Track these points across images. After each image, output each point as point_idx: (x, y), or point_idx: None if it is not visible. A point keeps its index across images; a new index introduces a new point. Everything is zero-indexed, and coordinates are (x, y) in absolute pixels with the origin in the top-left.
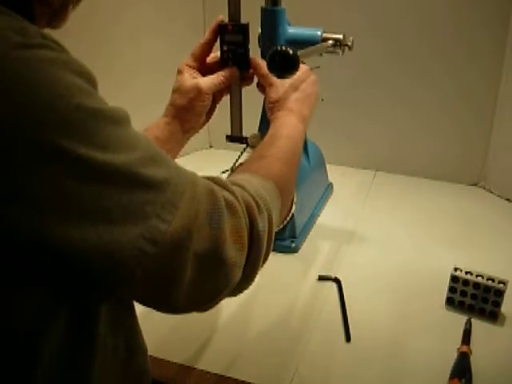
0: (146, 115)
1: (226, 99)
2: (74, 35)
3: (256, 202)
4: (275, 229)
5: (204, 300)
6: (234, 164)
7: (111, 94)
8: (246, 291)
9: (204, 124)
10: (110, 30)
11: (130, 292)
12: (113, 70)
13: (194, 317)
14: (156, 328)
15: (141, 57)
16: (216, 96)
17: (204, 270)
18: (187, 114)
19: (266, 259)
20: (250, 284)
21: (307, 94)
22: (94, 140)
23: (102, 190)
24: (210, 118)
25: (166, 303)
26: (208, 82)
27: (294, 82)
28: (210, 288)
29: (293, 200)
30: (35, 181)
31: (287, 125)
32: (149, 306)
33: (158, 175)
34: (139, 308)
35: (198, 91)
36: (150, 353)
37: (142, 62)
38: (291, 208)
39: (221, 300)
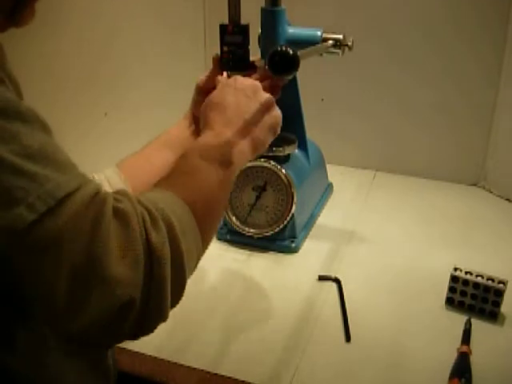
0: (149, 122)
1: None
2: (74, 45)
3: (148, 210)
4: (183, 243)
5: (93, 324)
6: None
7: (114, 104)
8: (244, 291)
9: None
10: (111, 39)
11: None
12: (114, 77)
13: (193, 317)
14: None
15: (141, 63)
16: None
17: (79, 284)
18: None
19: (182, 281)
20: (162, 318)
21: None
22: None
23: None
24: None
25: (46, 315)
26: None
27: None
28: (95, 310)
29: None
30: None
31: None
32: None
33: (38, 169)
34: None
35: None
36: (149, 353)
37: (143, 68)
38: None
39: (119, 333)
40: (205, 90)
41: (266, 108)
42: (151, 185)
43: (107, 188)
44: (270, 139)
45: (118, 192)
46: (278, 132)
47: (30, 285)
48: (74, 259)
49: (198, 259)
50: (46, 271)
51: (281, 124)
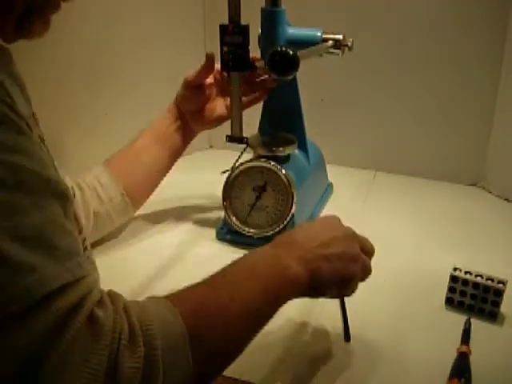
0: (149, 122)
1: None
2: (74, 46)
3: (132, 330)
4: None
5: None
6: (234, 164)
7: (114, 103)
8: None
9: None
10: (111, 38)
11: None
12: (114, 76)
13: None
14: None
15: (141, 62)
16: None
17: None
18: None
19: None
20: None
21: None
22: None
23: None
24: (218, 120)
25: None
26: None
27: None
28: None
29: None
30: None
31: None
32: None
33: (24, 257)
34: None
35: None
36: None
37: (143, 68)
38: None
39: None
40: (193, 85)
41: (350, 257)
42: (143, 185)
43: (98, 188)
44: (332, 287)
45: (109, 294)
46: (346, 289)
47: None
48: (14, 365)
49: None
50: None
51: (352, 283)
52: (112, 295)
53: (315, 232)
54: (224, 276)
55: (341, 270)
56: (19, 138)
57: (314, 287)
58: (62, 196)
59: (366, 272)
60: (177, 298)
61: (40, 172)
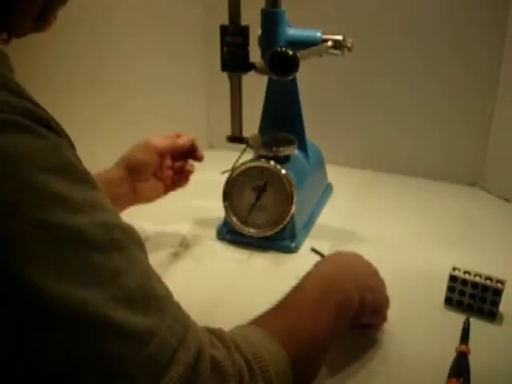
0: (148, 125)
1: (226, 99)
2: (74, 47)
3: (250, 367)
4: None
5: None
6: (234, 164)
7: (114, 108)
8: (244, 291)
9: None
10: (110, 40)
11: None
12: (112, 80)
13: (193, 317)
14: None
15: (141, 67)
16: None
17: None
18: (136, 166)
19: None
20: None
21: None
22: (52, 269)
23: (55, 335)
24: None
25: None
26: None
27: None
28: None
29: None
30: None
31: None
32: None
33: (136, 321)
34: None
35: (148, 144)
36: None
37: (143, 72)
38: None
39: None
40: (163, 152)
41: (383, 288)
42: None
43: None
44: (366, 317)
45: (213, 331)
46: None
47: None
48: None
49: None
50: None
51: (385, 311)
52: (215, 330)
53: (356, 266)
54: (302, 302)
55: (377, 299)
56: (94, 192)
57: (358, 313)
58: (140, 241)
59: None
60: (270, 327)
61: (120, 223)
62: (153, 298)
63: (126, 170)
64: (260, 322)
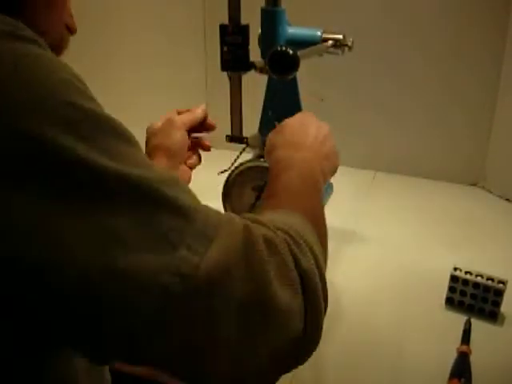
0: (143, 127)
1: (226, 98)
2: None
3: (289, 235)
4: (323, 265)
5: (258, 368)
6: (232, 164)
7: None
8: None
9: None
10: (110, 40)
11: (152, 350)
12: (112, 79)
13: None
14: None
15: (141, 67)
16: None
17: (251, 321)
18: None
19: (326, 304)
20: (317, 342)
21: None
22: (96, 144)
23: (114, 209)
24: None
25: (202, 372)
26: (183, 117)
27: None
28: (264, 348)
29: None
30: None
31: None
32: (181, 380)
33: (185, 200)
34: None
35: (173, 123)
36: None
37: (143, 72)
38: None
39: (285, 369)
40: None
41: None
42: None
43: None
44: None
45: (246, 217)
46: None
47: (196, 333)
48: (241, 295)
49: None
50: (215, 314)
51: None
52: (246, 216)
53: (307, 132)
54: (289, 185)
55: (335, 162)
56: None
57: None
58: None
59: None
60: (293, 206)
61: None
62: (182, 183)
63: (167, 158)
64: (265, 208)
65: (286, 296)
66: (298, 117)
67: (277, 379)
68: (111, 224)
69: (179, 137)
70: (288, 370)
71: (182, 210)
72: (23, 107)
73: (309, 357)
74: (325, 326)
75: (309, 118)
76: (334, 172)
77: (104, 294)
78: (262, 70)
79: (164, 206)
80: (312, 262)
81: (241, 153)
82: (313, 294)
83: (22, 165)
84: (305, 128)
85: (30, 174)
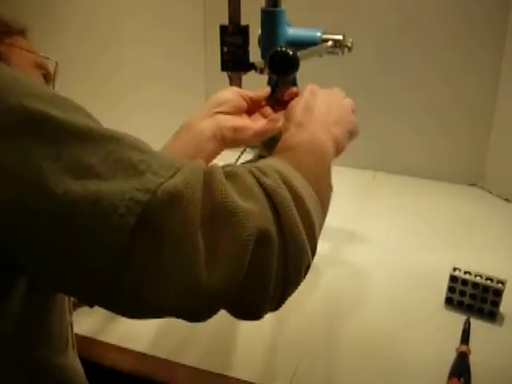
0: (148, 124)
1: None
2: (73, 46)
3: (258, 168)
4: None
5: (236, 272)
6: (234, 164)
7: (112, 106)
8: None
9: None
10: (109, 40)
11: (130, 254)
12: (112, 78)
13: None
14: (150, 327)
15: (140, 66)
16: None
17: (216, 226)
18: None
19: (312, 239)
20: (305, 261)
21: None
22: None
23: (87, 147)
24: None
25: (191, 277)
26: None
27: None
28: (231, 252)
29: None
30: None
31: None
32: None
33: (151, 149)
34: None
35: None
36: (151, 353)
37: (143, 71)
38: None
39: (266, 274)
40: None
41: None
42: None
43: None
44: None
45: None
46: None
47: (170, 244)
48: (202, 206)
49: (321, 227)
50: (182, 224)
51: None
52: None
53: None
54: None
55: (347, 125)
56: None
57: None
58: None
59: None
60: (294, 163)
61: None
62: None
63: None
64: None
65: (247, 203)
66: (320, 98)
67: (262, 300)
68: (86, 160)
69: (227, 92)
70: (270, 290)
71: (149, 152)
72: None
73: (296, 278)
74: (324, 326)
75: (320, 98)
76: (352, 133)
77: (77, 212)
78: (261, 71)
79: (132, 147)
80: (277, 182)
81: (241, 153)
82: (282, 208)
83: None
84: (310, 109)
85: None
